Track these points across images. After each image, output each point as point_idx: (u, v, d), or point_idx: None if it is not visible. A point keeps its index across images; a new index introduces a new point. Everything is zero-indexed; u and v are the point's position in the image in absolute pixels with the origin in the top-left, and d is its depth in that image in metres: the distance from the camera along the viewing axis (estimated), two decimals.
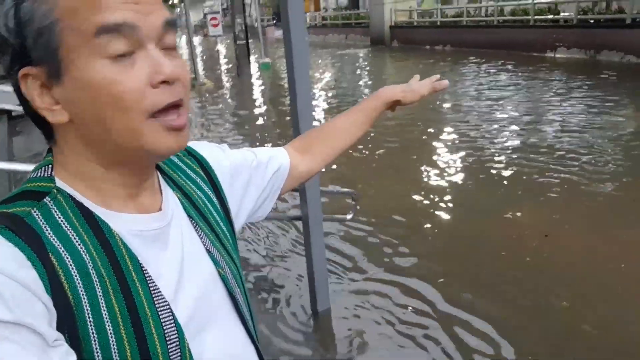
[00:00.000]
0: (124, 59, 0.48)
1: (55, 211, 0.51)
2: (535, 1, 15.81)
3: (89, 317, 0.48)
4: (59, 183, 0.54)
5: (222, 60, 21.03)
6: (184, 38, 24.33)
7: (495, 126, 7.32)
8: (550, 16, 15.34)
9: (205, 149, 0.75)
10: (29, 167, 1.86)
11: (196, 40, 28.13)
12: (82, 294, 0.48)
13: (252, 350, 0.68)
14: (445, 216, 4.50)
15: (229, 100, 11.93)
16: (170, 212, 0.61)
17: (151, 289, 0.54)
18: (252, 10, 18.15)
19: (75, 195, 0.53)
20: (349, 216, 2.47)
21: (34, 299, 0.45)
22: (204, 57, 22.36)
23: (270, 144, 7.34)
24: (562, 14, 15.32)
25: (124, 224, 0.55)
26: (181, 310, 0.56)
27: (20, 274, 0.45)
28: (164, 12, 0.52)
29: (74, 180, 0.54)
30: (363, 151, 6.59)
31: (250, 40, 16.33)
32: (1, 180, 3.86)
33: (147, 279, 0.54)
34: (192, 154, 0.72)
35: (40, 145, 5.75)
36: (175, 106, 0.52)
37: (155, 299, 0.54)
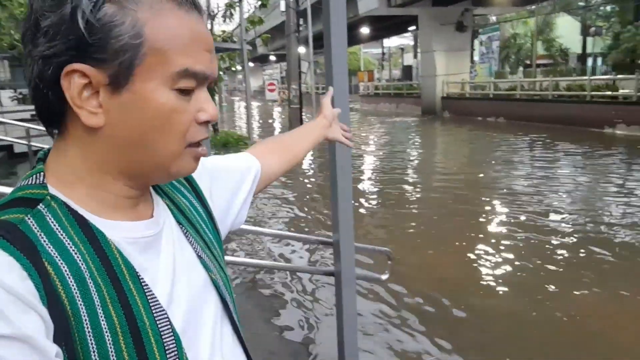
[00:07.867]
0: (185, 95, 0.53)
1: (50, 219, 0.50)
2: (591, 77, 15.59)
3: (87, 328, 0.47)
4: (52, 190, 0.52)
5: (277, 123, 21.88)
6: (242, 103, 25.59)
7: (549, 202, 6.94)
8: (609, 92, 15.03)
9: None
10: None
11: (254, 103, 29.72)
12: (80, 304, 0.47)
13: (243, 356, 0.68)
14: (489, 295, 4.22)
15: None
16: (161, 219, 0.61)
17: (148, 297, 0.53)
18: (308, 78, 19.10)
19: (69, 202, 0.52)
20: (384, 276, 2.35)
21: (31, 311, 0.43)
22: (260, 121, 23.37)
23: (308, 197, 7.40)
24: (620, 90, 14.99)
25: (119, 231, 0.54)
26: (177, 318, 0.56)
27: (16, 285, 0.43)
28: (216, 64, 0.58)
29: (70, 187, 0.53)
30: (399, 211, 6.45)
31: (304, 108, 17.01)
32: None
33: (144, 287, 0.53)
34: None
35: None
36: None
37: (152, 307, 0.53)
